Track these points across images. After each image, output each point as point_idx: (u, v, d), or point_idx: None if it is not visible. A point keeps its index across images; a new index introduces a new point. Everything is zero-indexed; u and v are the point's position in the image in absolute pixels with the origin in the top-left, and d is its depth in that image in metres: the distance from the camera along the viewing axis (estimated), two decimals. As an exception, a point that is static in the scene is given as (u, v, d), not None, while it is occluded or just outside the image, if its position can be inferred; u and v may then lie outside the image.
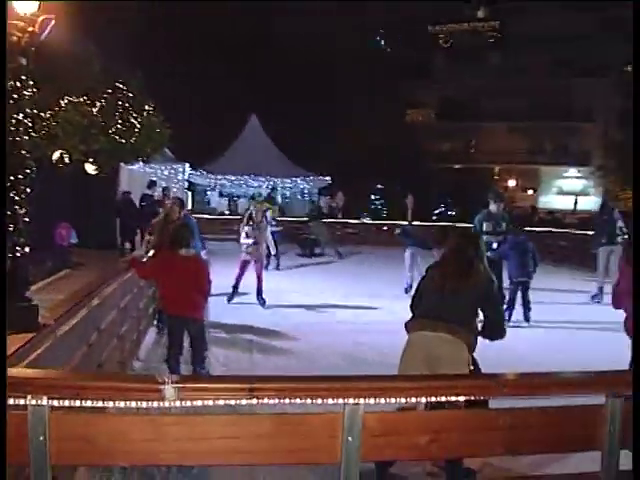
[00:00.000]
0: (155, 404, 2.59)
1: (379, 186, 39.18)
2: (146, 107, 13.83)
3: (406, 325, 5.54)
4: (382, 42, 55.34)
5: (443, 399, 2.94)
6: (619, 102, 55.54)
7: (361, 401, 2.82)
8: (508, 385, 3.17)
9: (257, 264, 12.92)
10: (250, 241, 12.82)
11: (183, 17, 34.95)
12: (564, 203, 52.44)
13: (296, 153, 32.85)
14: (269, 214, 16.20)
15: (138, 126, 13.12)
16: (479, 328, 5.50)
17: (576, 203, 50.70)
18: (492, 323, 5.48)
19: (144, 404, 2.61)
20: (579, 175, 56.62)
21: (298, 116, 36.33)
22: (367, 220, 31.51)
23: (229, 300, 12.89)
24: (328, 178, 32.51)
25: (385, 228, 27.58)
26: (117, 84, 12.79)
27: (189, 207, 24.34)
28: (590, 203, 51.10)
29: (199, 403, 2.62)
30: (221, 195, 33.74)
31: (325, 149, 37.76)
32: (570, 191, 54.78)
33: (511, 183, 56.28)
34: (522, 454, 3.44)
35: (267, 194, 25.71)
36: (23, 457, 2.59)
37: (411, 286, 13.97)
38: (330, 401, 2.81)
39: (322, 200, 32.07)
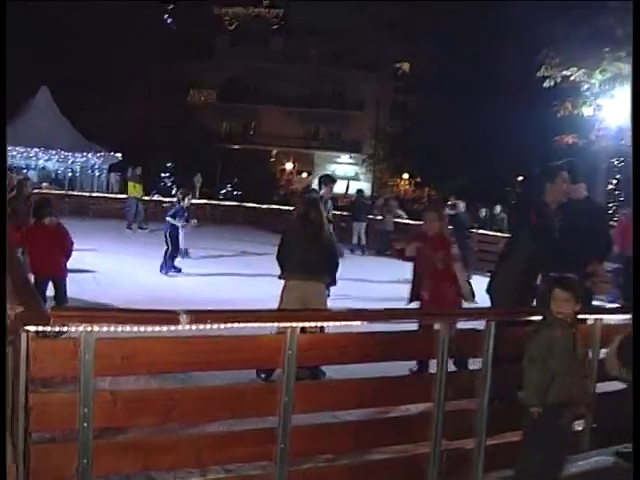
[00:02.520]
0: (172, 328, 3.72)
1: (169, 164, 39.84)
2: None
3: (281, 276, 7.46)
4: (169, 21, 55.47)
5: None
6: (390, 96, 59.76)
7: (296, 324, 4.11)
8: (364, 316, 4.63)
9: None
10: None
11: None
12: (337, 187, 55.48)
13: (87, 129, 32.75)
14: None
15: None
16: None
17: (348, 187, 53.77)
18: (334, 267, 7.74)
19: (164, 328, 3.72)
20: (351, 161, 60.17)
21: (89, 92, 36.17)
22: (156, 197, 32.11)
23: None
24: (119, 155, 32.73)
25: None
26: None
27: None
28: (361, 188, 54.65)
29: (202, 326, 3.79)
30: (10, 170, 32.81)
31: (116, 126, 37.79)
32: (343, 176, 57.90)
33: (288, 166, 58.63)
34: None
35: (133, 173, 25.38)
36: (74, 371, 3.60)
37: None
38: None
39: (112, 176, 32.31)
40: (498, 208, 21.71)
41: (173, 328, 3.73)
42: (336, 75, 57.34)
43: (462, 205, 21.69)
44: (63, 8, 37.25)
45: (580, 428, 5.53)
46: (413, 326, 5.26)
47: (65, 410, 3.65)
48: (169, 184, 39.18)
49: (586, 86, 16.34)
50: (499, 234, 19.96)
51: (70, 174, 32.41)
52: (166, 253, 14.50)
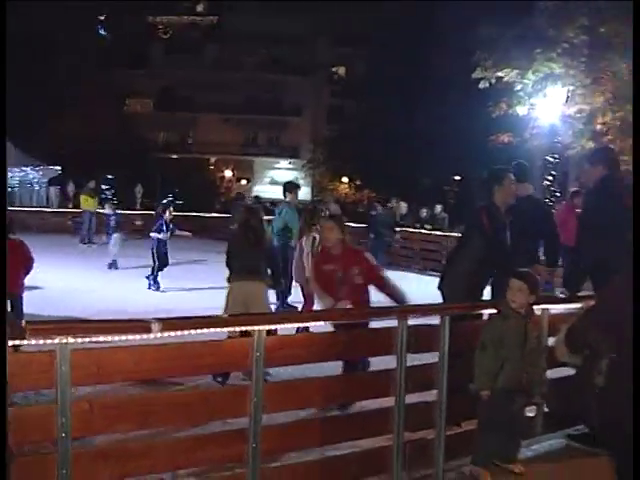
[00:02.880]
0: (145, 336, 3.84)
1: (109, 176, 39.48)
2: None
3: (228, 278, 8.08)
4: (102, 31, 54.92)
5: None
6: (327, 100, 60.21)
7: (262, 327, 4.28)
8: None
9: None
10: None
11: None
12: (276, 192, 55.59)
13: (25, 142, 32.30)
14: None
15: None
16: None
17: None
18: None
19: (137, 337, 3.85)
20: (290, 167, 60.36)
21: (24, 105, 35.63)
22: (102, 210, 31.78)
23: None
24: (58, 168, 32.36)
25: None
26: None
27: None
28: (301, 193, 54.77)
29: (173, 334, 3.92)
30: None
31: (53, 139, 37.35)
32: (282, 181, 58.01)
33: (227, 173, 58.64)
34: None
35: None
36: (50, 384, 3.70)
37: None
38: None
39: (52, 190, 31.91)
40: (439, 208, 22.14)
41: (145, 336, 3.86)
42: (272, 81, 57.55)
43: (403, 206, 22.12)
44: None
45: (533, 414, 5.81)
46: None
47: (43, 421, 3.75)
48: (109, 196, 38.85)
49: (519, 86, 16.82)
50: (439, 233, 20.39)
51: (9, 189, 31.92)
52: (153, 269, 14.47)
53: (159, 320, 3.85)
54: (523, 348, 5.05)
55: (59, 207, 30.40)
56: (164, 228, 14.55)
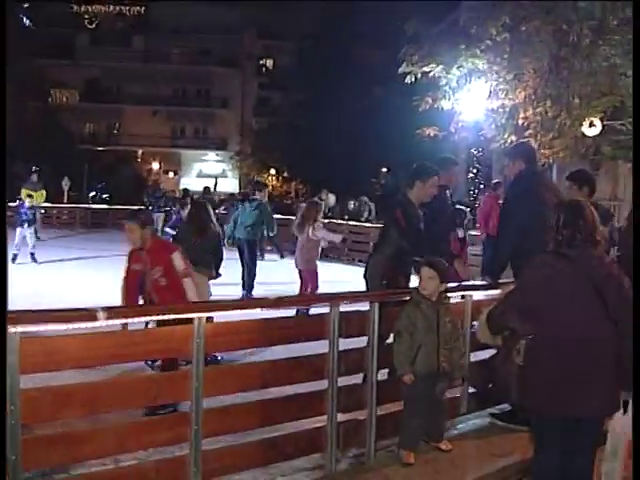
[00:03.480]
0: (90, 325, 4.02)
1: (35, 168, 38.78)
2: None
3: None
4: (25, 19, 53.68)
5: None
6: (254, 92, 60.22)
7: (202, 315, 4.50)
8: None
9: None
10: None
11: None
12: (204, 185, 55.43)
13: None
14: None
15: None
16: None
17: (216, 185, 53.83)
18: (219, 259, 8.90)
19: (83, 325, 4.01)
20: (218, 159, 60.23)
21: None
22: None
23: None
24: (-20, 160, 31.69)
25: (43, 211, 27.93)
26: None
27: None
28: (229, 185, 54.92)
29: (118, 321, 4.11)
30: None
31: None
32: (210, 174, 57.93)
33: (155, 166, 58.12)
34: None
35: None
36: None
37: None
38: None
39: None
40: (365, 199, 22.53)
41: (91, 325, 4.04)
42: (200, 73, 57.33)
43: (332, 198, 22.45)
44: None
45: (458, 394, 6.16)
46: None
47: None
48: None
49: (444, 81, 17.18)
50: (366, 224, 20.78)
51: None
52: None
53: (105, 308, 4.03)
54: (437, 333, 5.38)
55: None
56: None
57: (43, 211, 25.56)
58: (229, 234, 13.51)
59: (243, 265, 13.29)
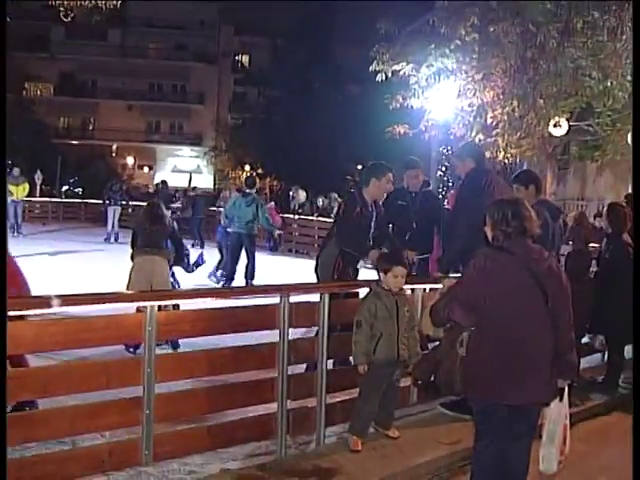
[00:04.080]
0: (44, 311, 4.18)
1: (9, 162, 38.62)
2: None
3: (132, 255, 8.97)
4: (-1, 12, 53.34)
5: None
6: (230, 88, 60.24)
7: (153, 303, 4.67)
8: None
9: None
10: None
11: None
12: (179, 180, 55.33)
13: None
14: None
15: None
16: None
17: (190, 180, 53.81)
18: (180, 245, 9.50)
19: (37, 312, 4.18)
20: (193, 154, 60.07)
21: None
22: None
23: None
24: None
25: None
26: None
27: None
28: (203, 181, 54.83)
29: (74, 309, 4.28)
30: None
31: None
32: (184, 169, 57.82)
33: (129, 161, 57.93)
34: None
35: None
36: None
37: None
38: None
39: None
40: (334, 195, 22.70)
41: (46, 311, 4.20)
42: (176, 68, 57.22)
43: (302, 195, 22.64)
44: None
45: (408, 383, 6.36)
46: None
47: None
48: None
49: (414, 80, 17.37)
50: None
51: None
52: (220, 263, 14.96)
53: (59, 296, 4.19)
54: (396, 322, 5.58)
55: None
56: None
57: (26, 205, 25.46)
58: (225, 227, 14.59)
59: (247, 257, 13.87)
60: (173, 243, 9.31)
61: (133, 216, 23.73)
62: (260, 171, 51.36)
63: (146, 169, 59.91)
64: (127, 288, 8.20)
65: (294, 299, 5.32)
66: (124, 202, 24.79)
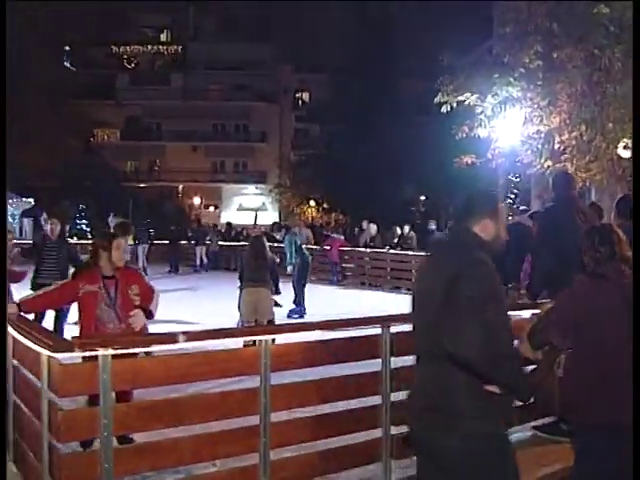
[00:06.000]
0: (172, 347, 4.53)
1: (81, 206, 39.97)
2: None
3: (240, 287, 10.78)
4: (67, 62, 55.33)
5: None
6: (292, 125, 61.12)
7: (268, 337, 4.98)
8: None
9: None
10: None
11: None
12: (245, 219, 56.13)
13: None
14: None
15: None
16: None
17: (256, 218, 54.53)
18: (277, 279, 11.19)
19: (164, 347, 4.53)
20: (257, 192, 61.01)
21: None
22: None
23: None
24: (31, 200, 32.87)
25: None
26: None
27: None
28: (269, 218, 55.53)
29: (198, 344, 4.62)
30: None
31: (24, 171, 37.70)
32: (250, 207, 58.67)
33: (196, 201, 59.04)
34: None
35: None
36: (95, 389, 4.36)
37: None
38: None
39: (25, 222, 32.38)
40: (407, 228, 22.83)
41: (172, 347, 4.54)
42: (238, 108, 58.34)
43: (373, 228, 22.91)
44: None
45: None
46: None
47: (88, 423, 4.40)
48: (83, 226, 39.31)
49: (480, 109, 17.53)
50: (409, 253, 21.04)
51: (-18, 223, 32.21)
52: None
53: (184, 333, 4.54)
54: None
55: (33, 238, 30.64)
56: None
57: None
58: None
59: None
60: (271, 276, 10.78)
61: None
62: (325, 206, 51.83)
63: (212, 208, 61.01)
64: (240, 316, 10.34)
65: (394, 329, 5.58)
66: (150, 241, 27.48)
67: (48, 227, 11.31)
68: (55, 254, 11.00)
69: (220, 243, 30.86)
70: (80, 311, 6.19)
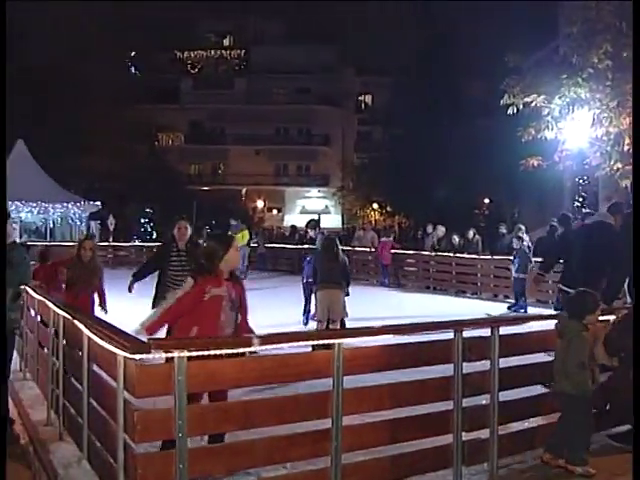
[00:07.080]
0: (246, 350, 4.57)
1: (147, 210, 40.68)
2: None
3: (316, 289, 11.26)
4: (132, 67, 56.38)
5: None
6: (354, 128, 61.19)
7: (339, 341, 4.99)
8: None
9: None
10: None
11: None
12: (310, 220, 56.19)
13: (64, 179, 33.58)
14: None
15: None
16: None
17: (319, 221, 54.55)
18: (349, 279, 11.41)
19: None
20: (320, 195, 61.22)
21: (61, 142, 36.91)
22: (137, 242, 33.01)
23: None
24: (98, 203, 33.54)
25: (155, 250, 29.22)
26: None
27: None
28: (331, 220, 55.68)
29: (270, 347, 4.66)
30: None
31: (91, 174, 38.66)
32: (313, 210, 58.86)
33: (259, 204, 59.57)
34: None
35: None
36: (169, 389, 4.42)
37: None
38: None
39: (92, 225, 33.01)
40: (471, 232, 22.52)
41: (247, 350, 4.59)
42: (300, 111, 58.65)
43: (442, 230, 22.76)
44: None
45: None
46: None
47: (163, 424, 4.46)
48: (149, 229, 40.04)
49: (547, 111, 17.30)
50: (474, 256, 20.81)
51: (51, 225, 33.07)
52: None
53: (259, 336, 4.58)
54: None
55: (100, 241, 31.30)
56: None
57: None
58: None
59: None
60: (344, 276, 11.07)
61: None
62: (389, 209, 51.67)
63: (275, 211, 61.46)
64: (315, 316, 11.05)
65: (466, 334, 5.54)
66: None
67: (175, 230, 9.29)
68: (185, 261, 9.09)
69: (266, 245, 31.57)
70: (199, 316, 5.70)
